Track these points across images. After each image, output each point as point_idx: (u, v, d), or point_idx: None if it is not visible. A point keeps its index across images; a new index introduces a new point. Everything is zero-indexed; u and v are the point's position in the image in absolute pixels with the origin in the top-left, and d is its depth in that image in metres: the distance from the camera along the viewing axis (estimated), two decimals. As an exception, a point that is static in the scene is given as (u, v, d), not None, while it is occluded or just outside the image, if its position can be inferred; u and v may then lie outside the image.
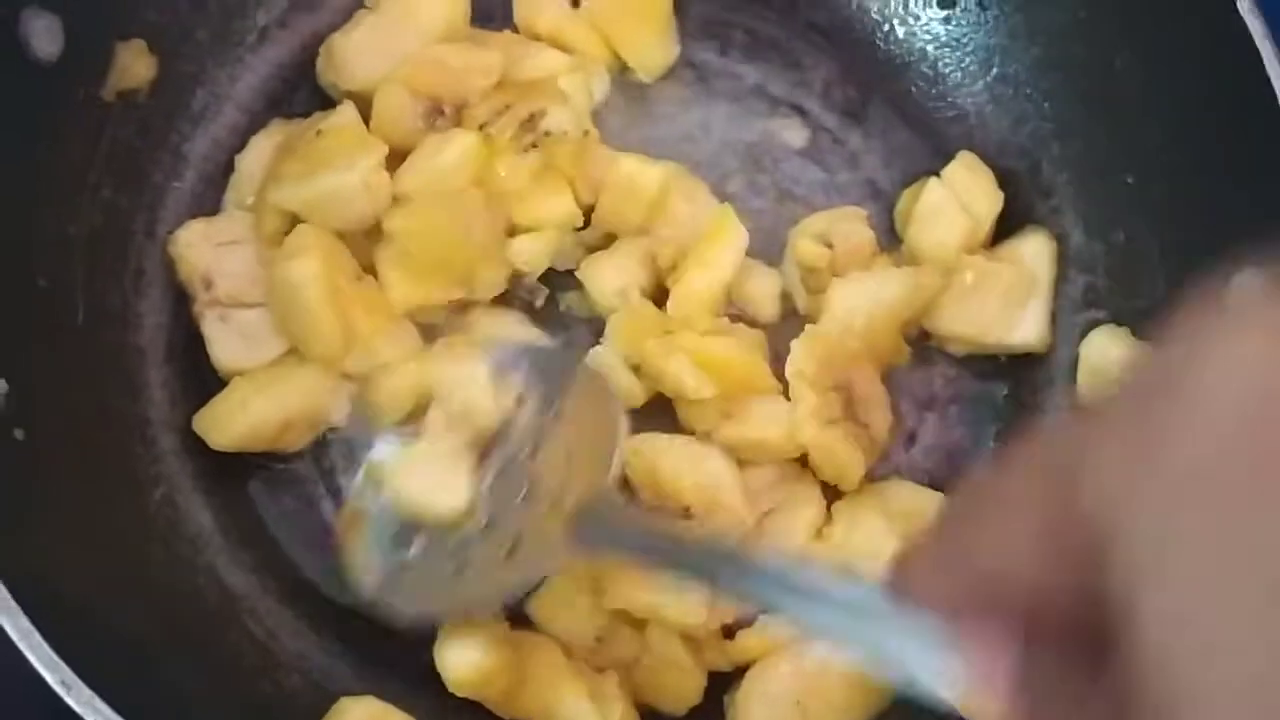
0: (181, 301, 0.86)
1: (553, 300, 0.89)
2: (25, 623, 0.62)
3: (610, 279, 0.86)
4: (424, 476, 0.78)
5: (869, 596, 0.47)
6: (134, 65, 0.85)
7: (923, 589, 0.41)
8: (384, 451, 0.80)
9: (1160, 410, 0.32)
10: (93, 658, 0.63)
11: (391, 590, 0.76)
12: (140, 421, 0.83)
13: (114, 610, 0.72)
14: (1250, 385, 0.30)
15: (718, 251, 0.85)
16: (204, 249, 0.86)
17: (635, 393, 0.84)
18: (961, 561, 0.39)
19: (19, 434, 0.72)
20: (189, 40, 0.89)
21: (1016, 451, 0.38)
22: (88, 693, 0.61)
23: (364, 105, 0.87)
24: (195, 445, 0.83)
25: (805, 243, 0.86)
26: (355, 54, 0.88)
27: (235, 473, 0.84)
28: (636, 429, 0.82)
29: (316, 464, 0.86)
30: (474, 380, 0.80)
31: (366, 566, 0.77)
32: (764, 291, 0.89)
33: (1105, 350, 0.83)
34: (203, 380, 0.85)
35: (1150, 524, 0.30)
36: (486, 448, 0.79)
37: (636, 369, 0.84)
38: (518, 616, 0.80)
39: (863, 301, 0.83)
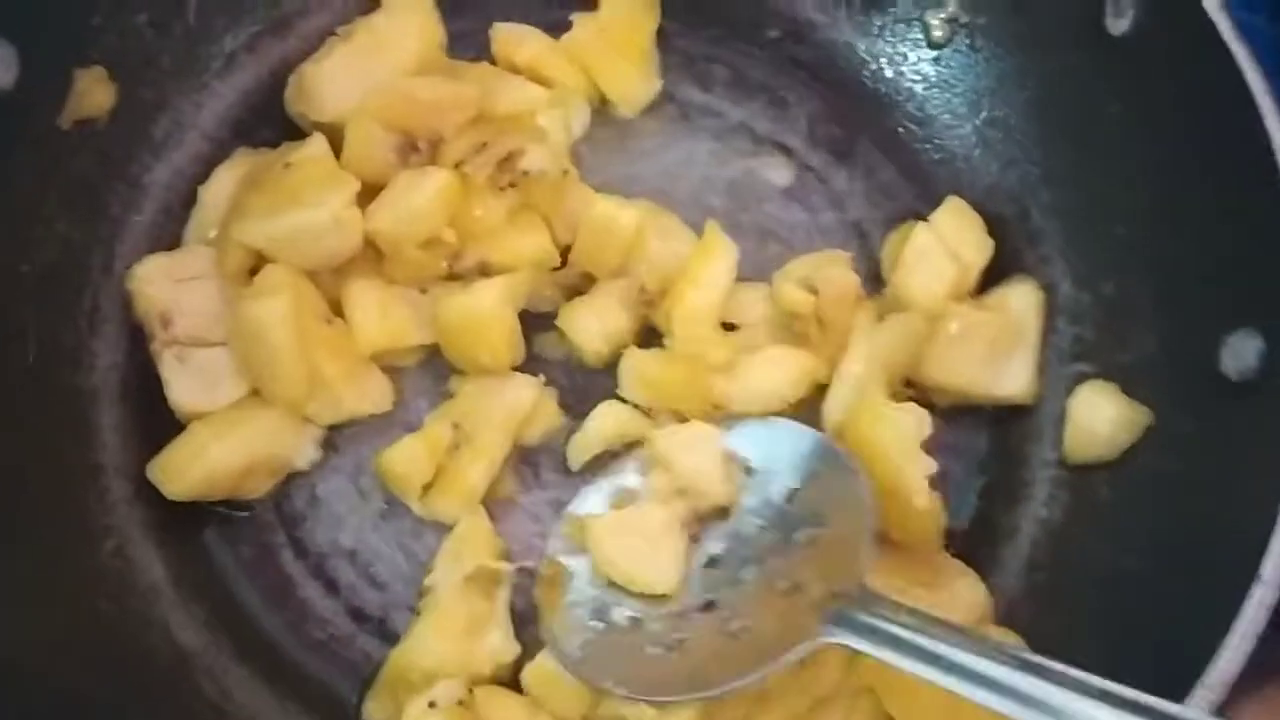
0: (137, 339, 0.83)
1: (527, 341, 0.86)
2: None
3: (591, 324, 0.83)
4: (631, 547, 0.75)
5: None
6: (93, 93, 0.81)
7: None
8: (589, 505, 0.79)
9: None
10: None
11: (596, 664, 0.72)
12: (92, 468, 0.79)
13: (62, 672, 0.69)
14: None
15: (711, 268, 0.83)
16: (163, 285, 0.82)
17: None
18: None
19: (-38, 486, 0.68)
20: (152, 67, 0.85)
21: None
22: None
23: (335, 136, 0.84)
24: (148, 493, 0.80)
25: (789, 288, 0.83)
26: (326, 84, 0.85)
27: (190, 521, 0.81)
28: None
29: (278, 511, 0.83)
30: (705, 452, 0.77)
31: (564, 630, 0.74)
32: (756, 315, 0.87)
33: (1094, 407, 0.81)
34: (158, 423, 0.81)
35: None
36: (705, 522, 0.77)
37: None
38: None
39: (882, 351, 0.81)
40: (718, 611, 0.73)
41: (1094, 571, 0.78)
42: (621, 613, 0.75)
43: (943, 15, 0.92)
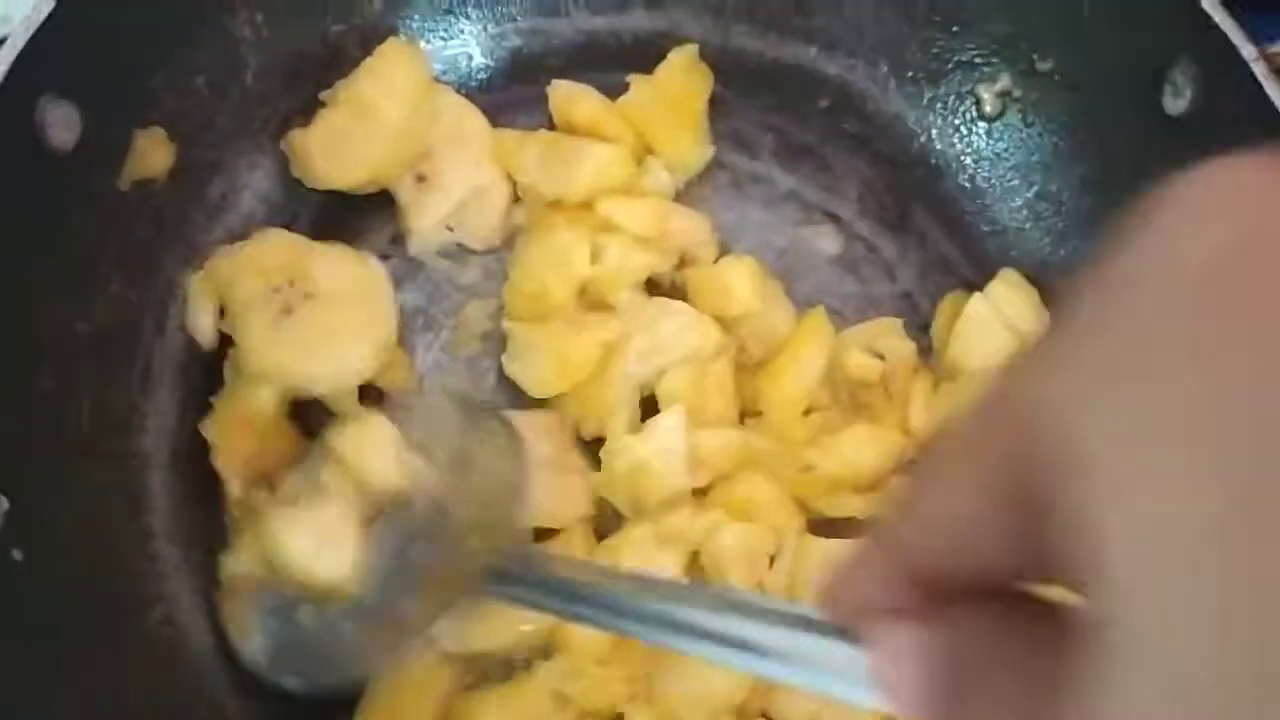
0: (188, 403, 0.82)
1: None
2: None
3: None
4: (307, 544, 0.73)
5: (802, 619, 0.44)
6: (152, 153, 0.81)
7: (852, 588, 0.38)
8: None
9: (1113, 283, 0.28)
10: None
11: (283, 664, 0.73)
12: (142, 534, 0.78)
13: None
14: (1214, 234, 0.27)
15: (811, 352, 0.83)
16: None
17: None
18: (901, 547, 0.36)
19: (17, 554, 0.66)
20: (209, 128, 0.85)
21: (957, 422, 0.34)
22: None
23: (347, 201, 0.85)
24: (197, 560, 0.79)
25: (857, 355, 0.83)
26: (317, 152, 0.85)
27: (240, 587, 0.79)
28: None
29: (326, 578, 0.81)
30: (379, 446, 0.76)
31: (248, 633, 0.74)
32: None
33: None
34: (206, 489, 0.80)
35: (1098, 430, 0.27)
36: (384, 510, 0.75)
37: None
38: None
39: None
40: (390, 596, 0.72)
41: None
42: (304, 612, 0.73)
43: (995, 89, 0.92)
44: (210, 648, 0.77)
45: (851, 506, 0.79)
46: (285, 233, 0.84)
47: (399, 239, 0.90)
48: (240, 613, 0.76)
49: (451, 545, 0.72)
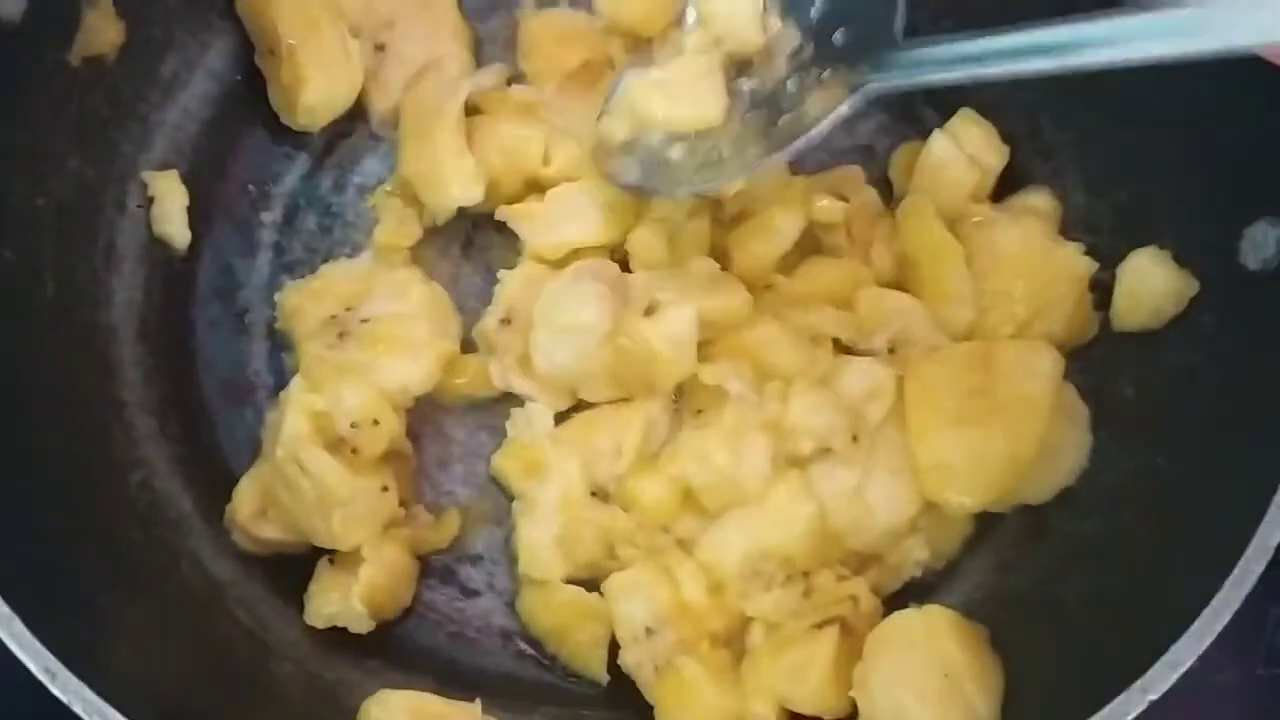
0: (154, 278, 0.83)
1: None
2: (4, 609, 0.58)
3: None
4: (672, 93, 0.77)
5: None
6: (101, 29, 0.80)
7: None
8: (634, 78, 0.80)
9: None
10: (78, 644, 0.59)
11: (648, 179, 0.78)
12: (115, 403, 0.79)
13: (98, 597, 0.68)
14: None
15: (785, 219, 0.83)
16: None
17: None
18: None
19: (-11, 423, 0.67)
20: (157, 5, 0.84)
21: None
22: (75, 681, 0.57)
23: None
24: (173, 429, 0.80)
25: (820, 198, 0.83)
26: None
27: (216, 459, 0.80)
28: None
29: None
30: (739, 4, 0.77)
31: (621, 171, 0.79)
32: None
33: (1144, 274, 0.80)
34: (177, 360, 0.81)
35: None
36: (744, 71, 0.78)
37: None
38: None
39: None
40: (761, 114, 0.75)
41: (1125, 472, 0.78)
42: (675, 149, 0.77)
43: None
44: (190, 513, 0.78)
45: (829, 321, 0.80)
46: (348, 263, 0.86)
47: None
48: (614, 160, 0.79)
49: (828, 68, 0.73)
